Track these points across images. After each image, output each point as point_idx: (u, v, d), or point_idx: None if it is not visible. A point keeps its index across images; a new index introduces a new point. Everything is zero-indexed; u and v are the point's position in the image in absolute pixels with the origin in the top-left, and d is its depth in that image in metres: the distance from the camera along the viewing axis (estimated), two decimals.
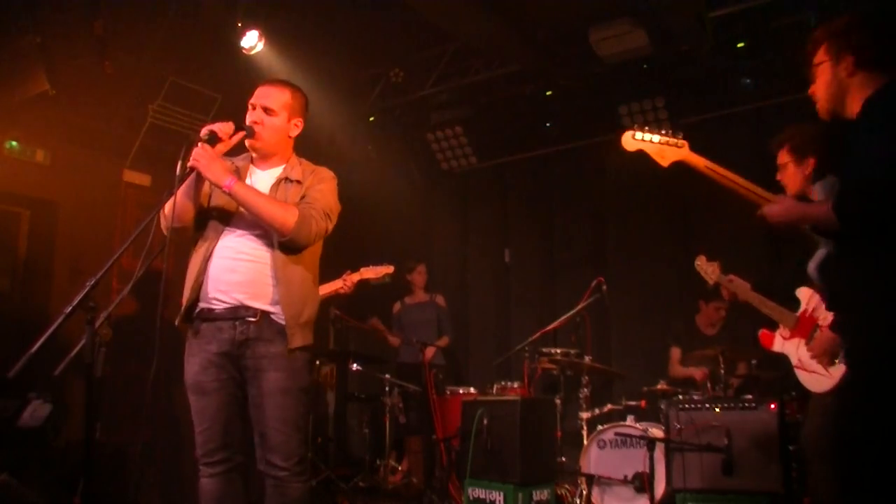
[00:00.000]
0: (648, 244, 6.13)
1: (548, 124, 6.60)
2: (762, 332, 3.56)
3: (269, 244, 2.70)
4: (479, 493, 4.30)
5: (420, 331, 6.07)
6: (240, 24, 5.28)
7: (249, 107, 2.83)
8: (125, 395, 5.68)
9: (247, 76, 5.69)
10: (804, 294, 3.35)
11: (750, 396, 4.25)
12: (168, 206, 2.58)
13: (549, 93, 6.38)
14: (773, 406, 3.96)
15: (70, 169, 5.70)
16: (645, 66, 5.70)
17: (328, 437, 6.32)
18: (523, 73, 6.11)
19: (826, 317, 3.18)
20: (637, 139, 2.43)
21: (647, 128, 2.43)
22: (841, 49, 2.20)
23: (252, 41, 5.30)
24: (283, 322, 2.66)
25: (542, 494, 4.29)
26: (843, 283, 2.08)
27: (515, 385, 5.17)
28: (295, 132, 2.88)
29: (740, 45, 5.37)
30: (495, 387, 5.21)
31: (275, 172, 2.84)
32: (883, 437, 1.89)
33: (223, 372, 2.66)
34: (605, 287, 4.98)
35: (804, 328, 3.32)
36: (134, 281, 2.44)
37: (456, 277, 7.21)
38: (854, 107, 2.17)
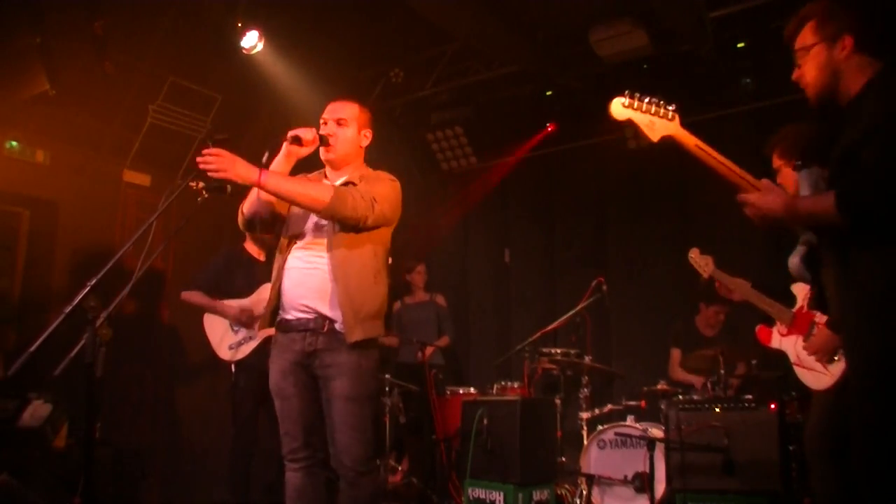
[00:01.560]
0: (649, 244, 6.13)
1: (548, 124, 6.60)
2: (759, 327, 3.55)
3: (328, 247, 2.83)
4: (479, 493, 4.31)
5: (420, 330, 6.07)
6: (240, 24, 5.28)
7: (321, 122, 2.99)
8: (125, 395, 5.68)
9: (247, 76, 5.70)
10: (800, 290, 3.34)
11: (750, 396, 4.25)
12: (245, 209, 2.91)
13: (549, 93, 6.39)
14: (773, 406, 3.96)
15: (70, 169, 5.71)
16: (645, 66, 5.70)
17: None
18: (523, 73, 6.10)
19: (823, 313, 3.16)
20: (626, 107, 2.22)
21: (637, 94, 2.21)
22: (837, 29, 2.08)
23: (252, 41, 5.30)
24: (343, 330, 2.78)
25: (542, 494, 4.30)
26: (842, 283, 2.00)
27: (515, 385, 5.17)
28: (365, 142, 3.07)
29: (740, 45, 5.37)
30: (495, 387, 5.21)
31: (339, 180, 3.00)
32: (883, 440, 1.87)
33: (301, 378, 2.84)
34: (605, 287, 4.98)
35: (801, 325, 3.31)
36: (134, 281, 2.44)
37: (456, 277, 7.21)
38: (850, 91, 2.06)
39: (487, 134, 6.82)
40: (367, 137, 3.08)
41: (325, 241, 2.86)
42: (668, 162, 6.11)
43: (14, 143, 5.44)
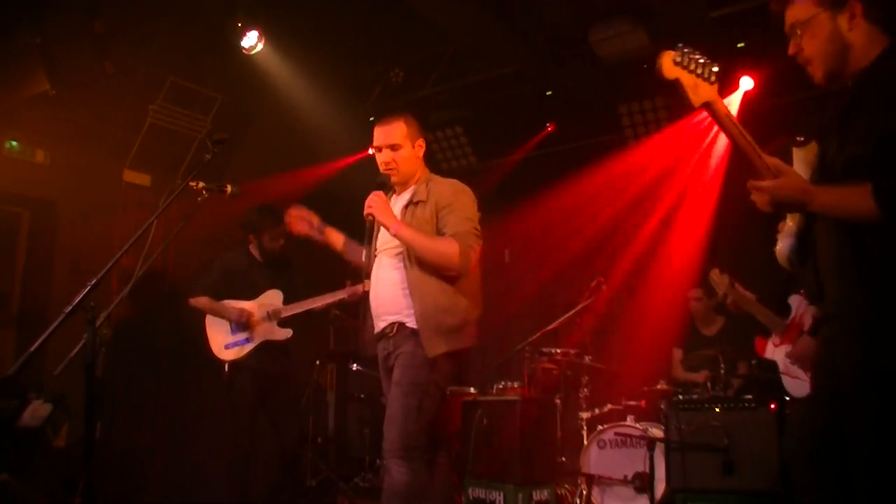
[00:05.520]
0: (648, 244, 6.13)
1: (548, 124, 6.60)
2: (757, 339, 3.56)
3: (403, 266, 2.99)
4: (479, 493, 4.30)
5: None
6: (240, 24, 5.28)
7: (374, 151, 3.13)
8: (126, 395, 5.68)
9: (247, 76, 5.70)
10: (795, 300, 3.35)
11: (750, 396, 4.25)
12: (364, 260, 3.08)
13: (549, 93, 6.38)
14: (773, 406, 3.96)
15: (70, 169, 5.71)
16: (645, 66, 5.69)
17: (328, 437, 6.31)
18: (523, 73, 6.10)
19: (809, 322, 3.16)
20: (677, 64, 1.97)
21: (687, 50, 1.96)
22: None
23: (252, 41, 5.30)
24: (414, 326, 2.94)
25: (542, 494, 4.29)
26: (850, 269, 1.89)
27: (515, 385, 5.16)
28: (421, 152, 3.20)
29: (740, 45, 5.37)
30: (495, 387, 5.20)
31: (405, 197, 3.15)
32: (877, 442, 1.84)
33: (389, 381, 3.08)
34: (605, 287, 4.98)
35: (791, 334, 3.32)
36: (134, 281, 2.44)
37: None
38: (859, 65, 1.93)
39: (487, 134, 6.82)
40: (421, 147, 3.18)
41: (398, 259, 3.00)
42: (668, 161, 6.13)
43: (14, 143, 5.44)
